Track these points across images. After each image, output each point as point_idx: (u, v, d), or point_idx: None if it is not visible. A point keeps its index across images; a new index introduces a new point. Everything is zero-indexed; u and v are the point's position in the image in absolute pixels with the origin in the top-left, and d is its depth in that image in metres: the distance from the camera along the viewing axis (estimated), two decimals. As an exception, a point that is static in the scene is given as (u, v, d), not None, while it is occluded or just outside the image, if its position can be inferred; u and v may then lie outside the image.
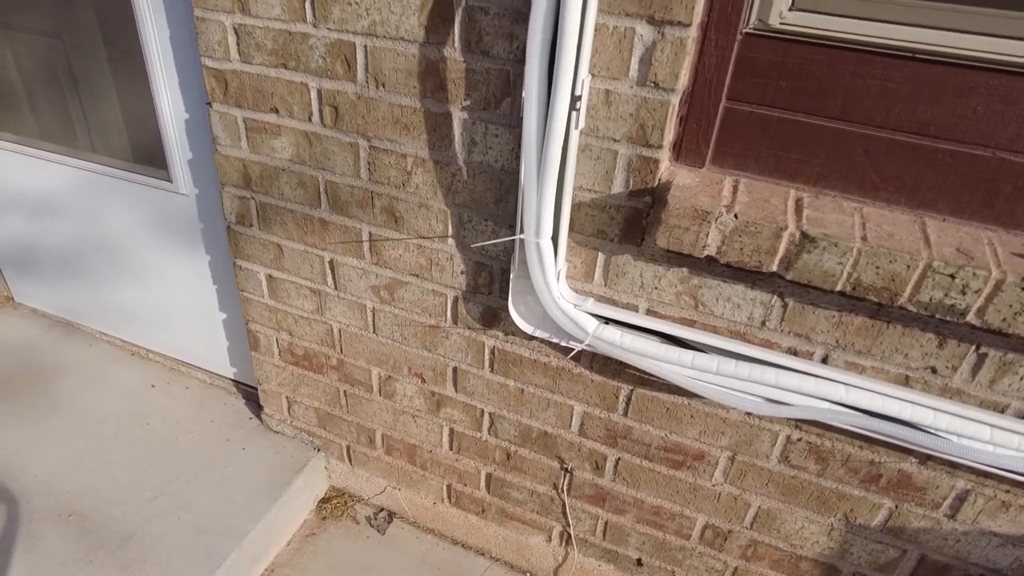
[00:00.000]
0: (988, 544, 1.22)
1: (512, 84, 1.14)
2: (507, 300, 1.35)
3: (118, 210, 1.92)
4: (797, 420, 1.25)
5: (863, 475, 1.25)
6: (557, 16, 0.97)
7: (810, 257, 1.02)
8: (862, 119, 1.03)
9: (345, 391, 1.73)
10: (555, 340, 1.33)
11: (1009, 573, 1.23)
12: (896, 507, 1.25)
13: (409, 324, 1.52)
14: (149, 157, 1.79)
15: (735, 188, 1.11)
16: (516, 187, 1.24)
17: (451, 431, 1.64)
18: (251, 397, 2.04)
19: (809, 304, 1.13)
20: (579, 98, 1.03)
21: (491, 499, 1.70)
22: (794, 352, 1.18)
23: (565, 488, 1.58)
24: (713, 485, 1.40)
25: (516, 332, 1.41)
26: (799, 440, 1.26)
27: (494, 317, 1.41)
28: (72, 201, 1.99)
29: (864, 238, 1.00)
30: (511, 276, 1.30)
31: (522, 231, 1.17)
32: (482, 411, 1.56)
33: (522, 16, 1.07)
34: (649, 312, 1.25)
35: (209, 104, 1.45)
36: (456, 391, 1.56)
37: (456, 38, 1.14)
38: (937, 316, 1.00)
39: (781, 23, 1.00)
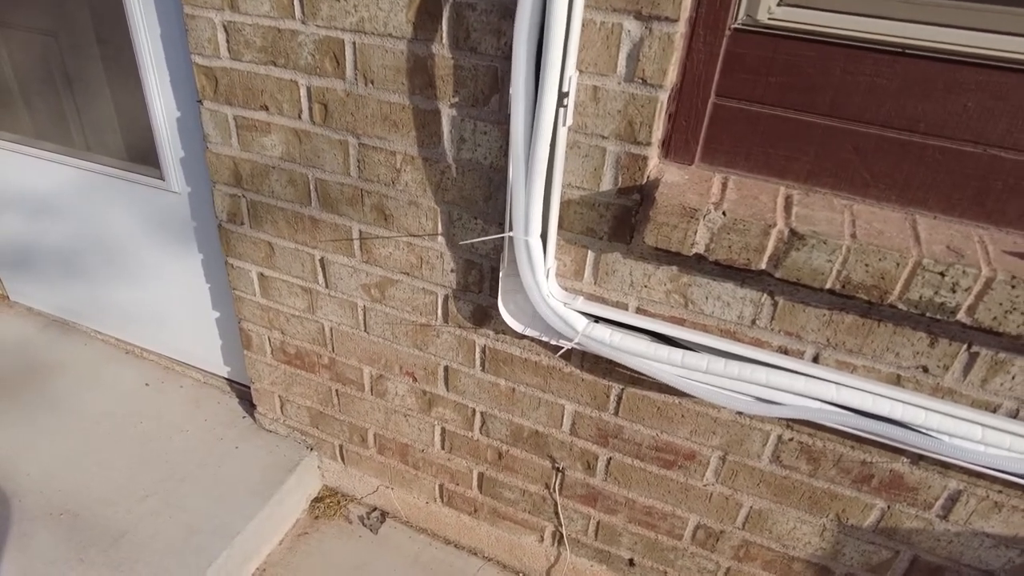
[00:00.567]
0: (981, 545, 1.21)
1: (500, 81, 1.14)
2: (497, 299, 1.34)
3: (112, 209, 1.92)
4: (788, 420, 1.24)
5: (855, 475, 1.24)
6: (544, 12, 0.96)
7: (799, 255, 1.01)
8: (852, 116, 1.02)
9: (337, 390, 1.73)
10: (545, 339, 1.32)
11: (1002, 574, 1.22)
12: (888, 508, 1.24)
13: (400, 323, 1.51)
14: (142, 155, 1.79)
15: (724, 185, 1.10)
16: (505, 185, 1.23)
17: (443, 430, 1.63)
18: (245, 396, 2.04)
19: (799, 302, 1.12)
20: (566, 95, 1.03)
21: (483, 499, 1.70)
22: (785, 351, 1.17)
23: (557, 488, 1.57)
24: (704, 485, 1.39)
25: (507, 331, 1.40)
26: (790, 440, 1.25)
27: (484, 316, 1.40)
28: (66, 200, 1.99)
29: (854, 235, 0.99)
30: (501, 274, 1.29)
31: (511, 229, 1.17)
32: (473, 410, 1.55)
33: (510, 12, 1.07)
34: (639, 310, 1.25)
35: (200, 102, 1.44)
36: (447, 390, 1.56)
37: (444, 34, 1.13)
38: (928, 314, 0.99)
39: (770, 18, 0.99)
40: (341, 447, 1.84)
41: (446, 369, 1.53)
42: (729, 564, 1.47)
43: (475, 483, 1.68)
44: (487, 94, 1.16)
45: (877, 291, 0.99)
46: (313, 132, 1.35)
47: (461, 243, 1.33)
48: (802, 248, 1.00)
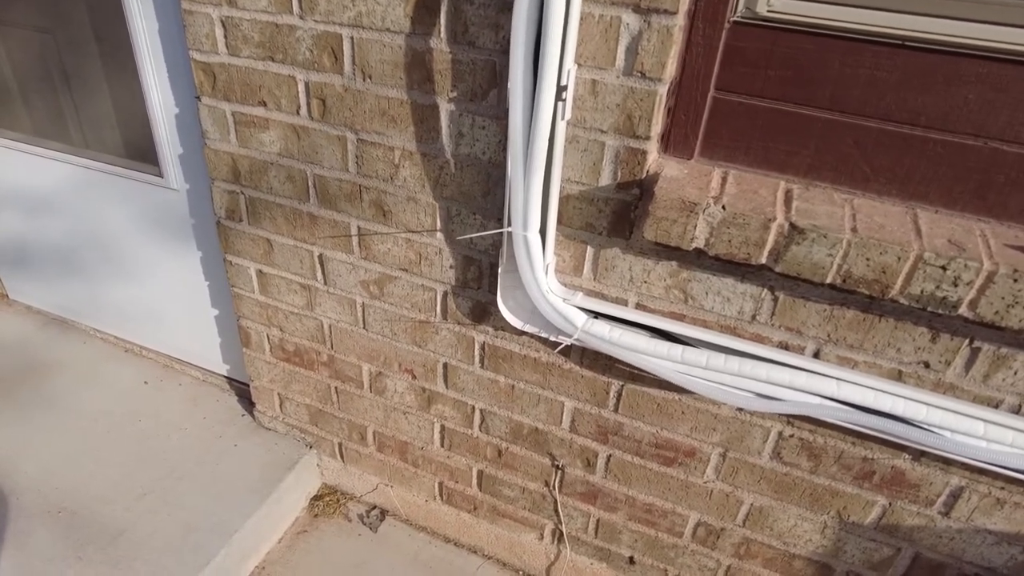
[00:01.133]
0: (983, 542, 1.20)
1: (498, 75, 1.13)
2: (496, 295, 1.33)
3: (110, 206, 1.91)
4: (789, 416, 1.23)
5: (856, 472, 1.23)
6: (542, 5, 0.95)
7: (799, 249, 1.00)
8: (852, 109, 1.02)
9: (336, 387, 1.72)
10: (545, 335, 1.31)
11: (1004, 571, 1.21)
12: (890, 504, 1.24)
13: (399, 319, 1.51)
14: (140, 152, 1.78)
15: (724, 180, 1.09)
16: (504, 180, 1.22)
17: (442, 428, 1.63)
18: (243, 394, 2.03)
19: (800, 297, 1.11)
20: (565, 88, 1.02)
21: (483, 496, 1.69)
22: (785, 346, 1.17)
23: (557, 485, 1.56)
24: (705, 482, 1.38)
25: (506, 327, 1.39)
26: (791, 436, 1.25)
27: (484, 312, 1.40)
28: (65, 197, 1.98)
29: (854, 229, 0.98)
30: (500, 270, 1.29)
31: (510, 224, 1.16)
32: (473, 407, 1.55)
33: (508, 5, 1.06)
34: (638, 306, 1.24)
35: (198, 98, 1.44)
36: (447, 387, 1.55)
37: (442, 28, 1.13)
38: (929, 309, 0.98)
39: (769, 11, 0.99)
40: (340, 445, 1.84)
41: (445, 366, 1.52)
42: (730, 562, 1.47)
43: (475, 481, 1.67)
44: (485, 88, 1.15)
45: (878, 286, 0.99)
46: (311, 128, 1.35)
47: (460, 239, 1.33)
48: (802, 242, 0.99)
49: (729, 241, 1.04)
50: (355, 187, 1.37)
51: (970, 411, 1.06)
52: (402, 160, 1.29)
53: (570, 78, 1.03)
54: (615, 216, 1.16)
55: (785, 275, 1.04)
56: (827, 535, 1.32)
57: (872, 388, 1.10)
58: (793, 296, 1.11)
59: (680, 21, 0.99)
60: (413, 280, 1.43)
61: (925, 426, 1.08)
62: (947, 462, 1.15)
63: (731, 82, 1.06)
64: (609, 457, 1.45)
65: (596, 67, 1.05)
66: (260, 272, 1.63)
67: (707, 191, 1.05)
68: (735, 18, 1.01)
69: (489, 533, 1.75)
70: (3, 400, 1.97)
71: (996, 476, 1.13)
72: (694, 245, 1.06)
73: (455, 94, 1.18)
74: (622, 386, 1.34)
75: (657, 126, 1.09)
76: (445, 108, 1.20)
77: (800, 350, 1.16)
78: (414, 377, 1.58)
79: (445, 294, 1.42)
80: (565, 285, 1.28)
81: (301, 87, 1.31)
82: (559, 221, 1.21)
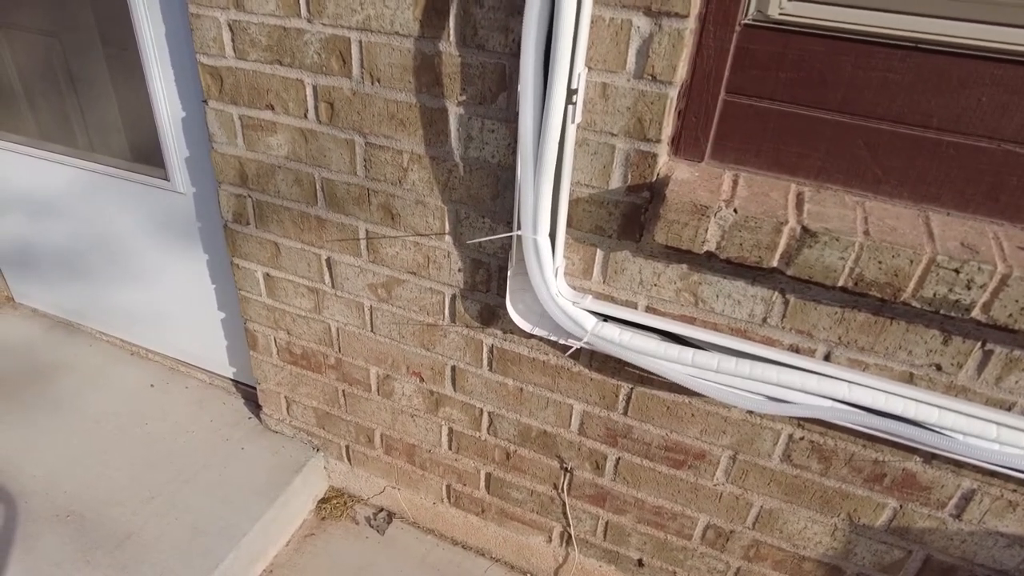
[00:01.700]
0: (995, 545, 1.19)
1: (508, 78, 1.13)
2: (505, 298, 1.33)
3: (117, 209, 1.91)
4: (799, 418, 1.23)
5: (867, 474, 1.23)
6: (552, 8, 0.95)
7: (811, 252, 1.00)
8: (864, 111, 1.01)
9: (343, 390, 1.72)
10: (554, 338, 1.31)
11: (1016, 574, 1.21)
12: (900, 507, 1.23)
13: (407, 323, 1.51)
14: (147, 156, 1.78)
15: (735, 182, 1.09)
16: (513, 183, 1.22)
17: (450, 430, 1.63)
18: (250, 397, 2.03)
19: (811, 300, 1.11)
20: (575, 92, 1.02)
21: (491, 499, 1.69)
22: (796, 349, 1.16)
23: (565, 488, 1.56)
24: (715, 485, 1.38)
25: (514, 330, 1.39)
26: (801, 439, 1.24)
27: (492, 315, 1.40)
28: (71, 201, 1.98)
29: (866, 232, 0.98)
30: (509, 273, 1.28)
31: (519, 227, 1.16)
32: (481, 410, 1.55)
33: (517, 8, 1.06)
34: (648, 309, 1.24)
35: (205, 101, 1.44)
36: (455, 390, 1.55)
37: (451, 32, 1.12)
38: (942, 312, 0.98)
39: (781, 14, 0.99)
40: (347, 448, 1.84)
41: (453, 369, 1.52)
42: (739, 564, 1.46)
43: (482, 483, 1.67)
44: (495, 92, 1.15)
45: (890, 288, 0.98)
46: (319, 131, 1.34)
47: (468, 242, 1.33)
48: (814, 245, 0.99)
49: (740, 244, 1.03)
50: (363, 191, 1.37)
51: (982, 414, 1.06)
52: (411, 164, 1.29)
53: (580, 81, 1.02)
54: (625, 219, 1.16)
55: (796, 278, 1.04)
56: (837, 537, 1.32)
57: (883, 391, 1.09)
58: (804, 299, 1.11)
59: (691, 24, 0.99)
60: (421, 283, 1.43)
61: (937, 429, 1.08)
62: (959, 465, 1.15)
63: (742, 85, 1.06)
64: (618, 460, 1.45)
65: (607, 70, 1.05)
66: (267, 275, 1.63)
67: (718, 194, 1.05)
68: (746, 21, 1.01)
69: (497, 536, 1.75)
70: (10, 403, 1.97)
71: (1008, 479, 1.13)
72: (705, 248, 1.06)
73: (464, 97, 1.18)
74: (631, 389, 1.34)
75: (668, 129, 1.09)
76: (454, 111, 1.20)
77: (811, 353, 1.16)
78: (422, 380, 1.58)
79: (453, 297, 1.41)
80: (575, 288, 1.28)
81: (309, 91, 1.31)
82: (569, 224, 1.21)
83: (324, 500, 1.91)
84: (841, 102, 1.02)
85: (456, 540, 1.83)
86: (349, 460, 1.86)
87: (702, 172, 1.12)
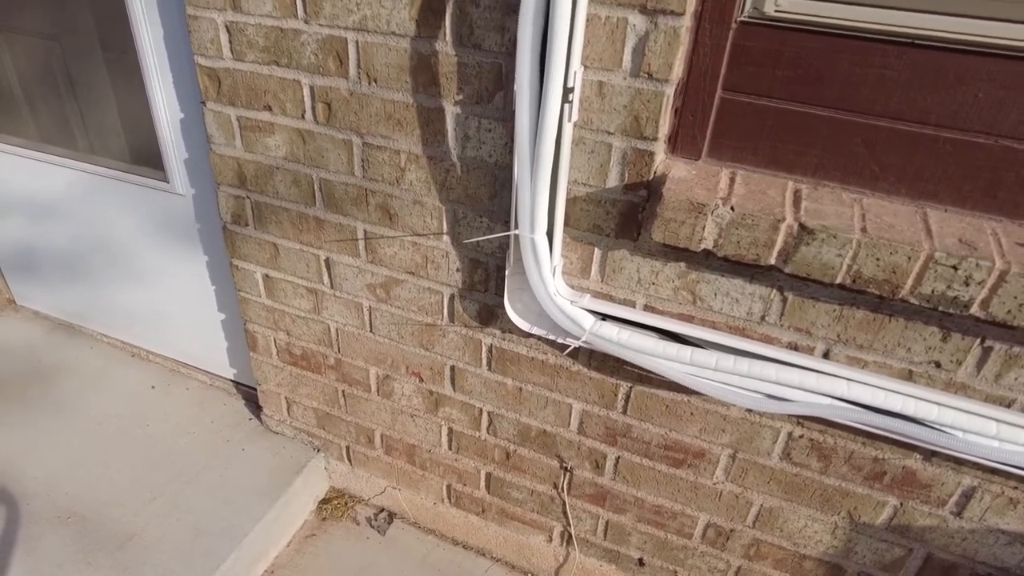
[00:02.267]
0: (996, 542, 1.19)
1: (505, 77, 1.13)
2: (503, 297, 1.33)
3: (117, 211, 1.92)
4: (798, 416, 1.23)
5: (867, 472, 1.22)
6: (548, 7, 0.95)
7: (808, 249, 0.99)
8: (861, 108, 1.01)
9: (343, 391, 1.72)
10: (552, 337, 1.31)
11: (1018, 572, 1.20)
12: (901, 505, 1.23)
13: (406, 323, 1.51)
14: (146, 158, 1.79)
15: (732, 180, 1.09)
16: (511, 182, 1.22)
17: (450, 430, 1.63)
18: (251, 398, 2.04)
19: (809, 298, 1.10)
20: (572, 90, 1.02)
21: (491, 499, 1.69)
22: (795, 347, 1.16)
23: (565, 487, 1.56)
24: (714, 483, 1.38)
25: (513, 330, 1.39)
26: (801, 437, 1.24)
27: (491, 315, 1.40)
28: (71, 203, 1.99)
29: (864, 229, 0.97)
30: (507, 273, 1.28)
31: (517, 227, 1.16)
32: (480, 410, 1.55)
33: (513, 7, 1.06)
34: (647, 308, 1.24)
35: (203, 103, 1.44)
36: (454, 390, 1.55)
37: (447, 31, 1.12)
38: (940, 309, 0.97)
39: (776, 11, 0.98)
40: (348, 448, 1.84)
41: (452, 369, 1.52)
42: (740, 563, 1.46)
43: (483, 483, 1.67)
44: (491, 91, 1.15)
45: (888, 285, 0.98)
46: (317, 132, 1.35)
47: (466, 242, 1.33)
48: (812, 243, 0.99)
49: (738, 242, 1.03)
50: (361, 191, 1.37)
51: (982, 411, 1.05)
52: (408, 163, 1.29)
53: (576, 80, 1.02)
54: (623, 218, 1.16)
55: (794, 276, 1.04)
56: (838, 536, 1.32)
57: (882, 388, 1.09)
58: (802, 297, 1.11)
59: (687, 22, 0.99)
60: (420, 283, 1.43)
61: (936, 426, 1.08)
62: (959, 462, 1.15)
63: (739, 82, 1.06)
64: (618, 459, 1.45)
65: (603, 68, 1.05)
66: (266, 276, 1.63)
67: (715, 192, 1.05)
68: (742, 18, 1.01)
69: (498, 535, 1.75)
70: (11, 405, 1.97)
71: (1009, 476, 1.12)
72: (703, 246, 1.06)
73: (461, 97, 1.18)
74: (630, 388, 1.34)
75: (664, 127, 1.08)
76: (451, 111, 1.20)
77: (810, 351, 1.15)
78: (421, 380, 1.58)
79: (452, 297, 1.41)
80: (572, 287, 1.28)
81: (306, 91, 1.31)
82: (566, 223, 1.21)
83: (325, 501, 1.91)
84: (838, 99, 1.02)
85: (457, 540, 1.83)
86: (350, 460, 1.86)
87: (699, 170, 1.12)
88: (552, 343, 1.37)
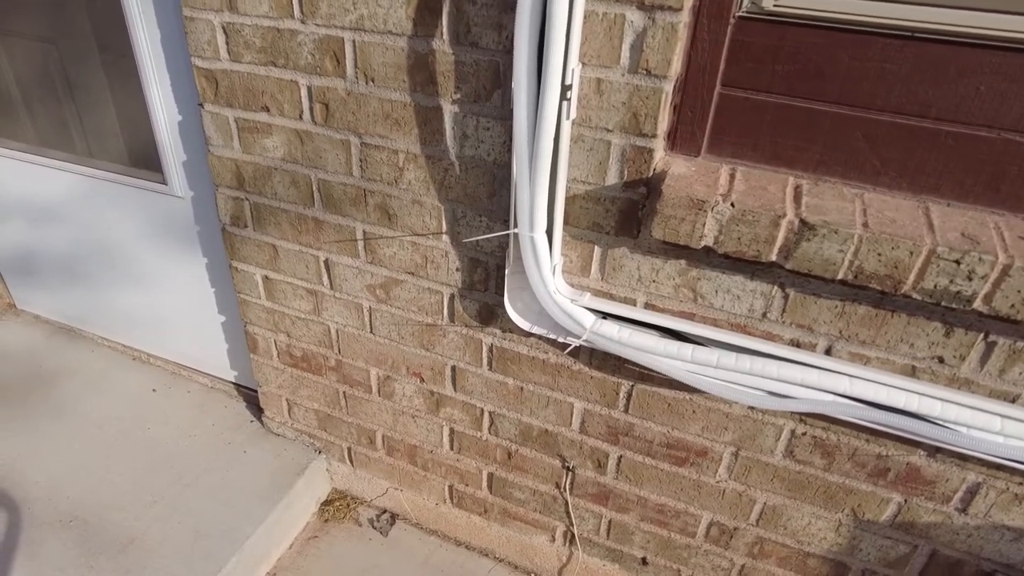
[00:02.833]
0: (1001, 538, 1.18)
1: (502, 75, 1.12)
2: (503, 296, 1.32)
3: (116, 214, 1.91)
4: (801, 414, 1.22)
5: (870, 469, 1.22)
6: (545, 4, 0.94)
7: (810, 245, 0.99)
8: (861, 103, 1.00)
9: (344, 392, 1.72)
10: (553, 336, 1.30)
11: (1023, 568, 1.19)
12: (905, 502, 1.22)
13: (406, 323, 1.50)
14: (144, 160, 1.78)
15: (732, 176, 1.08)
16: (509, 181, 1.21)
17: (451, 431, 1.62)
18: (252, 400, 2.03)
19: (811, 294, 1.10)
20: (570, 88, 1.01)
21: (493, 499, 1.68)
22: (796, 344, 1.15)
23: (567, 487, 1.55)
24: (717, 481, 1.37)
25: (514, 329, 1.38)
26: (804, 434, 1.23)
27: (491, 314, 1.39)
28: (71, 207, 1.99)
29: (865, 224, 0.97)
30: (506, 272, 1.28)
31: (516, 225, 1.15)
32: (482, 410, 1.54)
33: (510, 5, 1.05)
34: (647, 306, 1.23)
35: (201, 105, 1.44)
36: (455, 390, 1.54)
37: (444, 30, 1.12)
38: (943, 304, 0.97)
39: (775, 5, 0.98)
40: (349, 449, 1.83)
41: (453, 369, 1.51)
42: (743, 561, 1.45)
43: (485, 483, 1.67)
44: (489, 89, 1.14)
45: (890, 281, 0.97)
46: (315, 132, 1.34)
47: (466, 241, 1.32)
48: (813, 239, 0.98)
49: (738, 239, 1.02)
50: (360, 191, 1.37)
51: (986, 406, 1.05)
52: (406, 163, 1.29)
53: (574, 77, 1.02)
54: (622, 215, 1.15)
55: (796, 272, 1.03)
56: (842, 533, 1.31)
57: (885, 384, 1.08)
58: (804, 293, 1.10)
59: (685, 17, 0.98)
60: (420, 283, 1.43)
61: (940, 422, 1.07)
62: (963, 458, 1.14)
63: (737, 78, 1.05)
64: (620, 458, 1.44)
65: (601, 65, 1.04)
66: (266, 278, 1.63)
67: (715, 188, 1.04)
68: (740, 13, 1.00)
69: (500, 536, 1.75)
70: (13, 409, 1.97)
71: (1014, 472, 1.12)
72: (703, 243, 1.05)
73: (459, 96, 1.17)
74: (632, 386, 1.33)
75: (663, 124, 1.08)
76: (449, 110, 1.19)
77: (812, 347, 1.15)
78: (422, 380, 1.57)
79: (452, 297, 1.41)
80: (573, 286, 1.27)
81: (304, 92, 1.30)
82: (566, 221, 1.20)
83: (327, 502, 1.91)
84: (838, 94, 1.01)
85: (459, 541, 1.82)
86: (351, 462, 1.86)
87: (699, 166, 1.11)
88: (553, 342, 1.36)
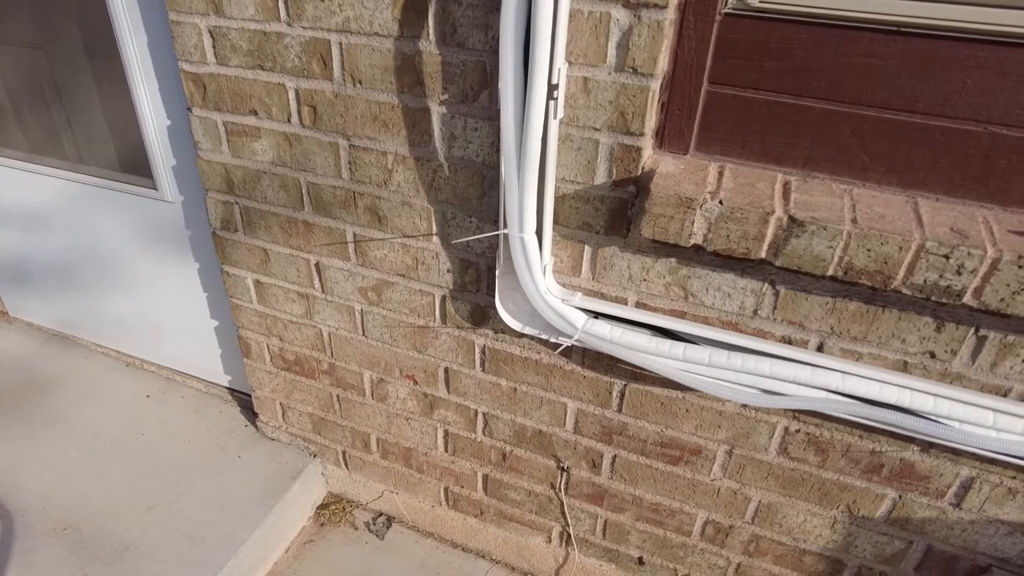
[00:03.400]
0: (996, 533, 1.18)
1: (489, 76, 1.12)
2: (495, 297, 1.32)
3: (107, 220, 1.91)
4: (794, 411, 1.22)
5: (864, 465, 1.21)
6: (530, 3, 0.94)
7: (799, 242, 0.98)
8: (849, 98, 1.00)
9: (338, 395, 1.71)
10: (545, 336, 1.30)
11: (1018, 561, 1.19)
12: (899, 497, 1.22)
13: (398, 325, 1.50)
14: (134, 165, 1.78)
15: (720, 174, 1.08)
16: (499, 181, 1.21)
17: (445, 433, 1.62)
18: (246, 404, 2.03)
19: (801, 291, 1.09)
20: (556, 87, 1.01)
21: (489, 500, 1.68)
22: (788, 341, 1.15)
23: (563, 487, 1.55)
24: (712, 480, 1.37)
25: (506, 330, 1.38)
26: (797, 431, 1.23)
27: (483, 315, 1.39)
28: (62, 213, 1.98)
29: (854, 220, 0.97)
30: (497, 273, 1.27)
31: (506, 226, 1.15)
32: (475, 411, 1.54)
33: (496, 5, 1.05)
34: (639, 305, 1.23)
35: (189, 109, 1.43)
36: (448, 392, 1.54)
37: (430, 31, 1.11)
38: (933, 299, 0.96)
39: (761, 2, 0.97)
40: (344, 453, 1.83)
41: (446, 371, 1.51)
42: (739, 559, 1.45)
43: (480, 485, 1.66)
44: (476, 90, 1.14)
45: (880, 276, 0.97)
46: (303, 135, 1.34)
47: (456, 242, 1.32)
48: (802, 235, 0.98)
49: (728, 236, 1.02)
50: (349, 193, 1.36)
51: (978, 400, 1.04)
52: (395, 165, 1.28)
53: (561, 76, 1.01)
54: (612, 214, 1.15)
55: (786, 269, 1.03)
56: (837, 530, 1.31)
57: (878, 380, 1.08)
58: (794, 290, 1.10)
59: (670, 15, 0.98)
60: (411, 285, 1.42)
61: (933, 417, 1.07)
62: (956, 453, 1.14)
63: (725, 75, 1.05)
64: (614, 457, 1.44)
65: (587, 64, 1.04)
66: (257, 282, 1.62)
67: (704, 186, 1.04)
68: (726, 10, 1.00)
69: (496, 537, 1.74)
70: (6, 417, 1.96)
71: (1007, 466, 1.11)
72: (692, 241, 1.05)
73: (446, 96, 1.17)
74: (625, 386, 1.33)
75: (651, 122, 1.07)
76: (437, 111, 1.19)
77: (803, 344, 1.14)
78: (415, 382, 1.57)
79: (443, 298, 1.40)
80: (564, 286, 1.26)
81: (291, 95, 1.30)
82: (555, 221, 1.20)
83: (323, 506, 1.90)
84: (826, 89, 1.01)
85: (456, 543, 1.82)
86: (346, 465, 1.85)
87: (687, 164, 1.11)
88: (545, 342, 1.36)
